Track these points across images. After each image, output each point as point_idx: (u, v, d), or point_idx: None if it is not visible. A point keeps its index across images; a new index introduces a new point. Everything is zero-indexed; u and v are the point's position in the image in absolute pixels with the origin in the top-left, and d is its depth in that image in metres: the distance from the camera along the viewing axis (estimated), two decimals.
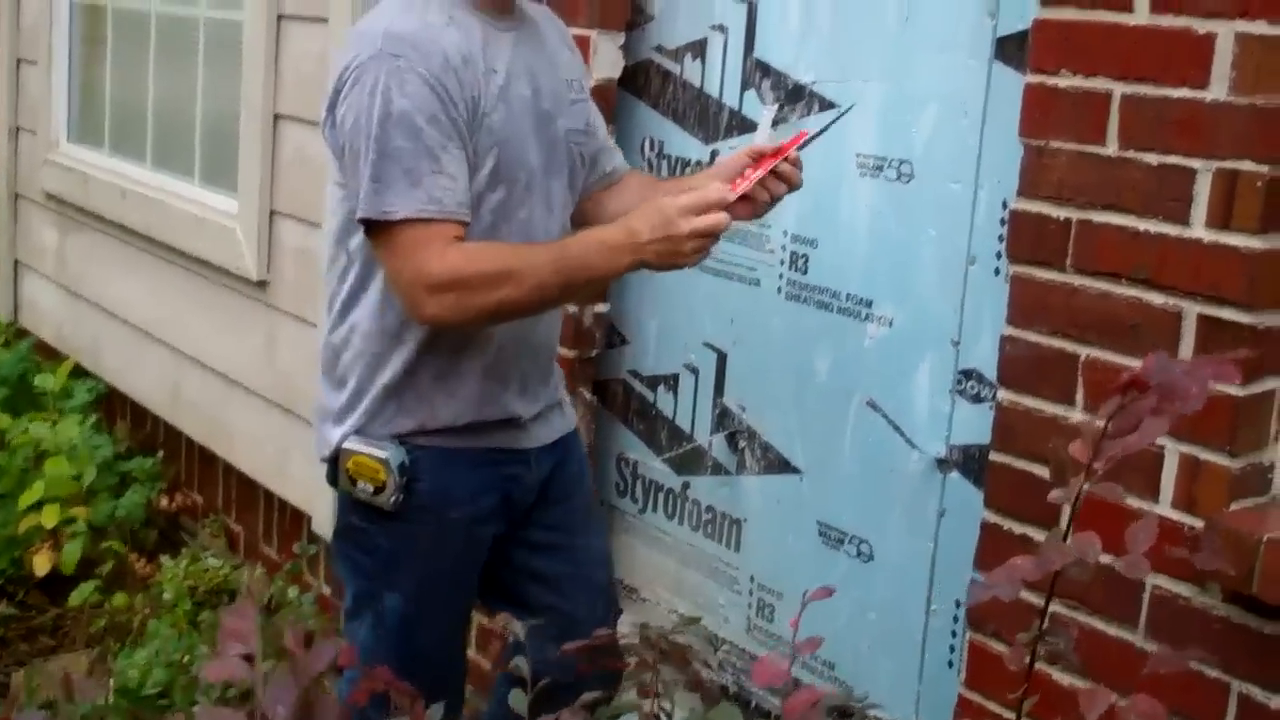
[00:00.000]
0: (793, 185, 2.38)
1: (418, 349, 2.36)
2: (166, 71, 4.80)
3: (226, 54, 4.24)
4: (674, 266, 2.23)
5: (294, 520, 4.10)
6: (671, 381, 3.17)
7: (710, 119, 3.05)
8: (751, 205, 2.36)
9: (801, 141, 2.38)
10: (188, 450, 4.74)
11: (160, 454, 4.84)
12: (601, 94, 3.00)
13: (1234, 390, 2.02)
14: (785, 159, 2.35)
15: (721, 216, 2.19)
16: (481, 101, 2.27)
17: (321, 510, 3.69)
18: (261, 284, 4.03)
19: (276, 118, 3.92)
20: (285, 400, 3.97)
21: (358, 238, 2.34)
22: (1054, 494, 1.39)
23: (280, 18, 3.86)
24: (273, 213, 3.97)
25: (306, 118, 3.74)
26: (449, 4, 2.31)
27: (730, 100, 3.01)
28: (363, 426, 2.39)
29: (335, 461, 2.42)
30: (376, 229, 2.25)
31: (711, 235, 2.19)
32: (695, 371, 3.10)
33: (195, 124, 4.53)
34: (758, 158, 2.37)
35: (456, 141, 2.24)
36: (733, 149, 2.95)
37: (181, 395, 4.59)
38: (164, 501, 4.74)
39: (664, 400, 3.19)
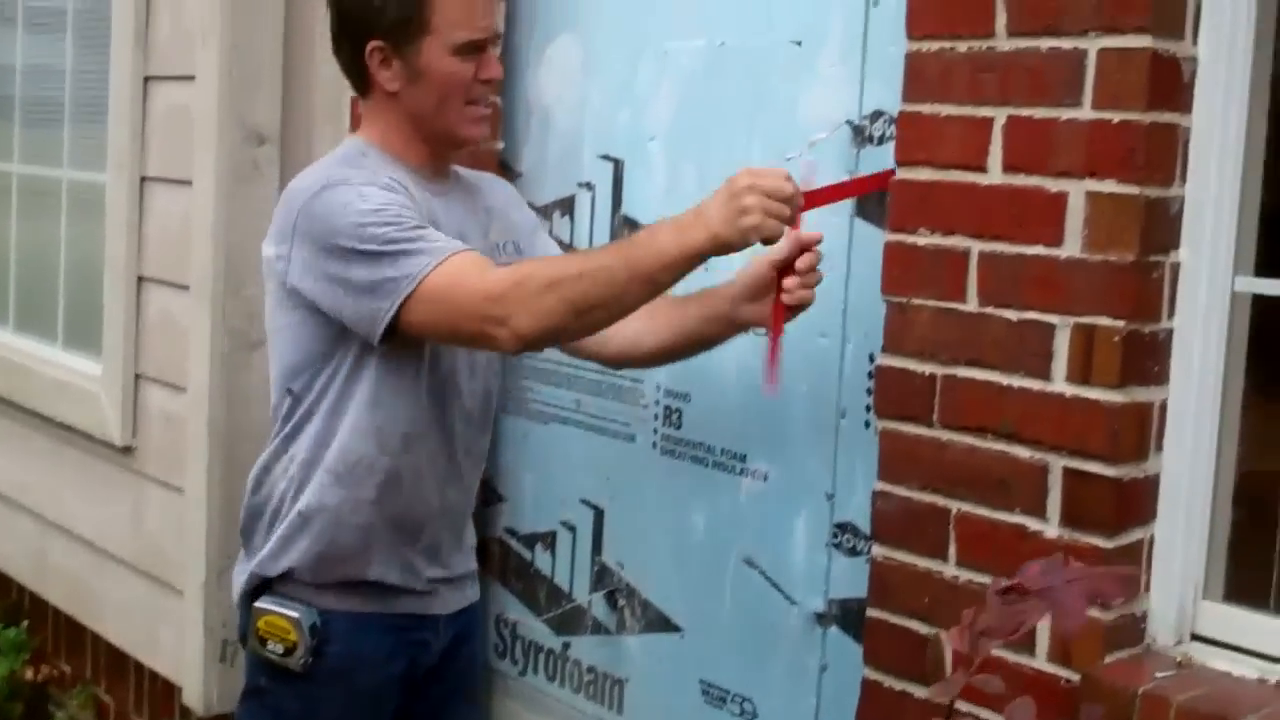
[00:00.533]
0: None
1: (336, 481, 2.35)
2: (29, 233, 4.72)
3: (90, 215, 4.18)
4: (749, 234, 2.09)
5: (165, 692, 3.96)
6: (549, 539, 3.13)
7: None
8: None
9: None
10: (55, 619, 4.59)
11: (26, 623, 4.68)
12: None
13: (1103, 543, 2.03)
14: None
15: (792, 185, 2.12)
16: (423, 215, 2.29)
17: (193, 682, 3.57)
18: (127, 450, 3.93)
19: (140, 280, 3.86)
20: (154, 569, 3.86)
21: (304, 377, 2.34)
22: (932, 691, 1.38)
23: (144, 179, 3.82)
24: (138, 376, 3.89)
25: (170, 280, 3.69)
26: (381, 164, 2.35)
27: None
28: (273, 557, 2.38)
29: (248, 603, 2.41)
30: (406, 313, 2.19)
31: (776, 196, 2.09)
32: (573, 529, 3.06)
33: (59, 286, 4.45)
34: (783, 263, 2.29)
35: (426, 224, 2.24)
36: None
37: (48, 563, 4.45)
38: (30, 672, 4.57)
39: (542, 559, 3.15)
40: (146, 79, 3.79)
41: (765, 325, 2.35)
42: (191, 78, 3.52)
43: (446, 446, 2.47)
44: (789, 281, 2.28)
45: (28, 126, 4.76)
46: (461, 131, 2.39)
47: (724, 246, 2.11)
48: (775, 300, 2.32)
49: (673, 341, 2.49)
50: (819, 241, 2.29)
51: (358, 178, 2.26)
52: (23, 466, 4.56)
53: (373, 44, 2.32)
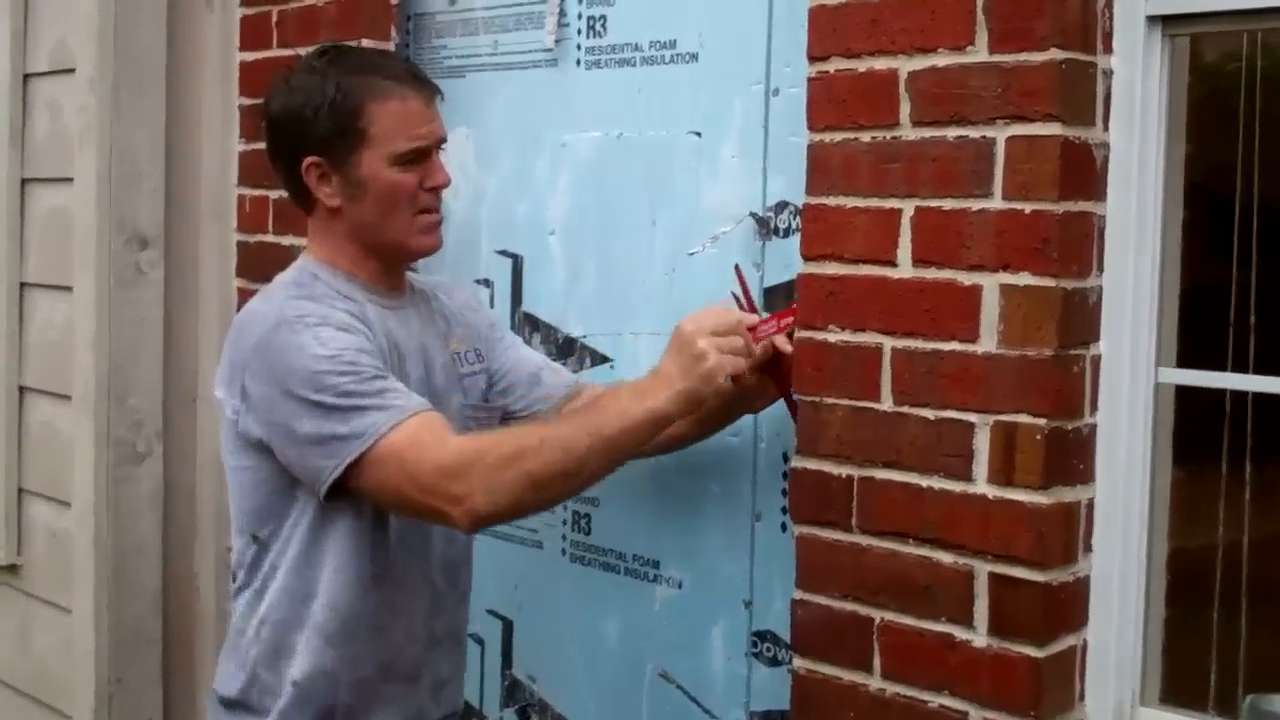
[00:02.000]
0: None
1: (327, 643, 2.17)
2: None
3: None
4: (713, 377, 2.04)
5: None
6: None
7: None
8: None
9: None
10: None
11: None
12: None
13: (1034, 651, 1.94)
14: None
15: (734, 315, 2.11)
16: (382, 354, 2.15)
17: None
18: (11, 568, 3.74)
19: (21, 389, 3.68)
20: (40, 691, 3.67)
21: (270, 524, 2.17)
22: None
23: (23, 285, 3.66)
24: (21, 491, 3.71)
25: (52, 390, 3.53)
26: (334, 286, 2.20)
27: None
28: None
29: None
30: (356, 474, 2.03)
31: (723, 331, 2.06)
32: (481, 642, 2.92)
33: None
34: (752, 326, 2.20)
35: (387, 370, 2.10)
36: None
37: None
38: None
39: None
40: (24, 181, 3.64)
41: (767, 391, 2.27)
42: (70, 180, 3.38)
43: (431, 575, 2.30)
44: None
45: None
46: (412, 243, 2.25)
47: (692, 398, 2.05)
48: (778, 362, 2.22)
49: (682, 432, 2.32)
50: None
51: (313, 314, 2.09)
52: None
53: (309, 160, 2.18)
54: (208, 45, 3.36)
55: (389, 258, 2.27)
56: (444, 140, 2.26)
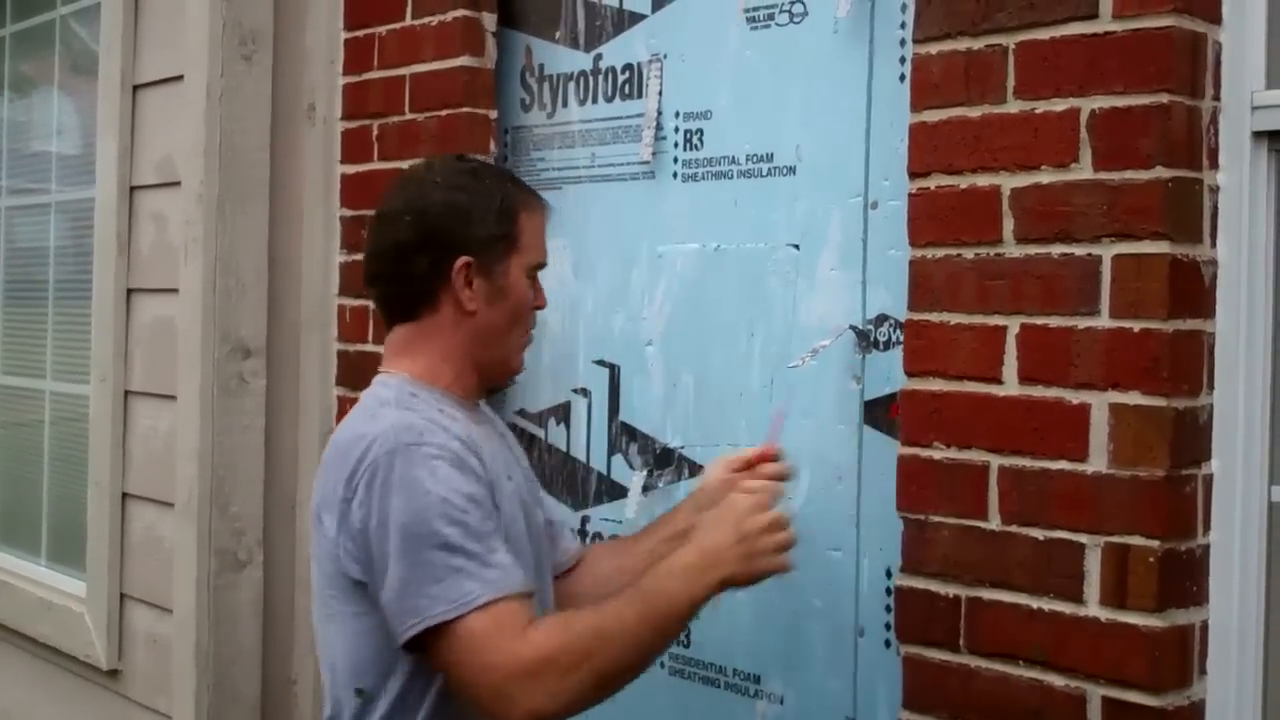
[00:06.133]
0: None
1: None
2: (11, 446, 4.62)
3: (74, 429, 4.08)
4: (766, 574, 2.04)
5: None
6: None
7: (579, 484, 2.94)
8: None
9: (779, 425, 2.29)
10: None
11: None
12: None
13: None
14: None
15: (771, 506, 2.07)
16: (492, 489, 2.06)
17: None
18: (112, 673, 3.77)
19: (125, 496, 3.74)
20: None
21: (372, 674, 2.04)
22: None
23: (127, 393, 3.72)
24: (123, 596, 3.75)
25: (155, 497, 3.58)
26: (434, 398, 2.12)
27: (598, 465, 2.91)
28: None
29: None
30: (436, 636, 1.92)
31: (780, 529, 2.04)
32: None
33: (42, 501, 4.33)
34: (743, 466, 2.25)
35: (495, 519, 2.01)
36: (604, 518, 2.85)
37: None
38: None
39: None
40: (130, 291, 3.71)
41: None
42: (175, 290, 3.44)
43: None
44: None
45: (10, 338, 4.69)
46: (514, 361, 2.23)
47: (731, 586, 2.03)
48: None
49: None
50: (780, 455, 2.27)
51: (430, 442, 1.99)
52: (2, 688, 4.38)
53: (462, 260, 2.11)
54: (309, 158, 3.42)
55: (489, 375, 2.22)
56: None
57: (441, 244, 2.12)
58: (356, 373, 3.28)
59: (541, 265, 2.21)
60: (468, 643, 1.91)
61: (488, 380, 2.24)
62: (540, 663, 1.90)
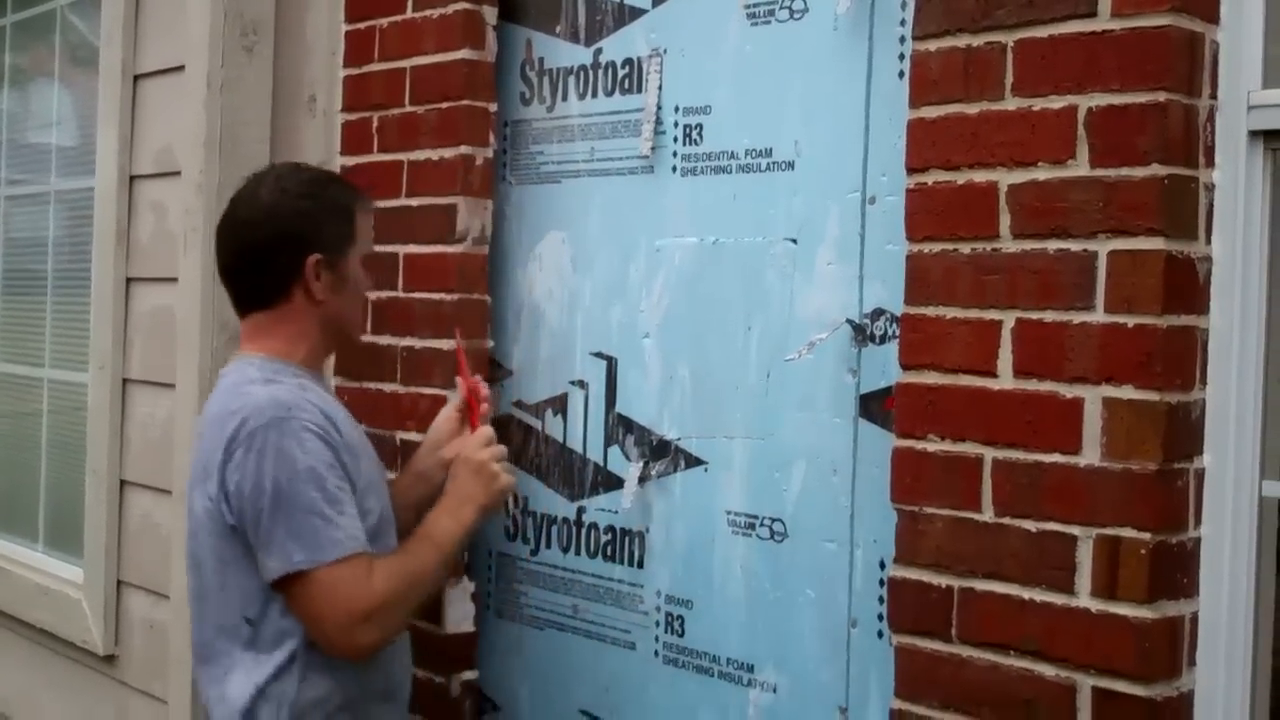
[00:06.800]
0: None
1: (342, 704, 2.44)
2: (10, 433, 4.63)
3: (72, 417, 4.10)
4: (502, 495, 2.56)
5: None
6: None
7: (575, 475, 2.96)
8: None
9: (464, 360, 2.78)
10: None
11: None
12: None
13: None
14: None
15: (481, 437, 2.60)
16: (344, 452, 2.41)
17: None
18: (109, 658, 3.79)
19: (123, 483, 3.75)
20: None
21: (262, 602, 2.38)
22: None
23: (125, 381, 3.74)
24: (120, 582, 3.76)
25: (153, 484, 3.59)
26: (291, 373, 2.49)
27: (595, 456, 2.93)
28: None
29: None
30: (294, 581, 2.32)
31: (497, 457, 2.56)
32: None
33: (39, 488, 4.34)
34: (465, 409, 2.72)
35: (348, 484, 2.39)
36: (600, 509, 2.87)
37: None
38: None
39: None
40: (129, 280, 3.73)
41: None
42: (174, 279, 3.46)
43: None
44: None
45: (8, 325, 4.70)
46: (356, 333, 2.69)
47: (492, 510, 2.57)
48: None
49: (421, 508, 2.65)
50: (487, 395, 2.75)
51: (298, 412, 2.35)
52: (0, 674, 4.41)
53: (314, 257, 2.48)
54: (309, 150, 3.43)
55: (340, 346, 2.72)
56: None
57: (296, 245, 2.49)
58: (353, 358, 3.30)
59: (373, 254, 2.67)
60: (319, 589, 2.32)
61: (342, 350, 2.87)
62: (375, 609, 2.34)
